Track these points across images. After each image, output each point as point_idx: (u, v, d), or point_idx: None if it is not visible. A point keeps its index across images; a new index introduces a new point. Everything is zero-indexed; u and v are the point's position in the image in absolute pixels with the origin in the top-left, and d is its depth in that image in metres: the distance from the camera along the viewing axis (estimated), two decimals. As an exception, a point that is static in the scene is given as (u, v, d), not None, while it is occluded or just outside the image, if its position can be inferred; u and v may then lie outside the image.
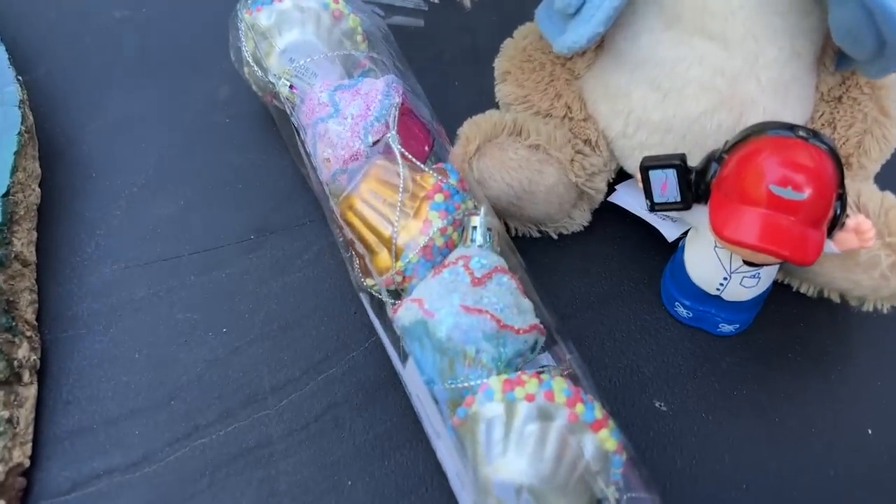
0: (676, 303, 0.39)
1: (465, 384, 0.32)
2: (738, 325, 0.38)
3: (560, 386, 0.31)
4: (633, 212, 0.41)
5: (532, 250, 0.41)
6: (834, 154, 0.31)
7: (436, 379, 0.33)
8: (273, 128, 0.45)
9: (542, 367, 0.35)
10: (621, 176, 0.42)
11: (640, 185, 0.35)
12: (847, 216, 0.32)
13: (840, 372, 0.38)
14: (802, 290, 0.39)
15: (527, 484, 0.29)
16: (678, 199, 0.34)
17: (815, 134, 0.31)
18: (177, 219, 0.42)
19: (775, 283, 0.39)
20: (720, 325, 0.38)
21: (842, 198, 0.32)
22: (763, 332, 0.39)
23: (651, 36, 0.35)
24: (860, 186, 0.36)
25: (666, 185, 0.34)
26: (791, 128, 0.31)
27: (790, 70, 0.34)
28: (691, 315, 0.39)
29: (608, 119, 0.38)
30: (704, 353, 0.38)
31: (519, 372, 0.31)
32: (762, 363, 0.38)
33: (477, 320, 0.32)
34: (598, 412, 0.31)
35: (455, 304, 0.32)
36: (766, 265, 0.34)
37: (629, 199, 0.42)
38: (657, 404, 0.37)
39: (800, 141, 0.31)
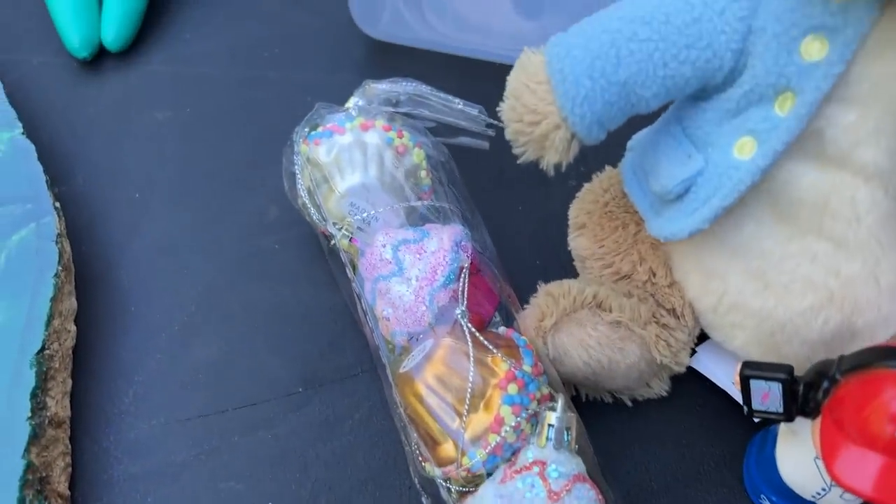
0: (763, 496, 0.35)
1: None
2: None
3: None
4: (715, 381, 0.38)
5: (602, 417, 0.38)
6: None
7: None
8: (324, 258, 0.41)
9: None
10: (703, 339, 0.38)
11: (739, 388, 0.32)
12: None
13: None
14: None
15: None
16: (780, 412, 0.31)
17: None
18: (220, 364, 0.39)
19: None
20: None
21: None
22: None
23: (758, 227, 0.31)
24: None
25: (768, 395, 0.31)
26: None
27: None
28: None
29: (698, 293, 0.35)
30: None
31: None
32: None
33: (554, 549, 0.29)
34: None
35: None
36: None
37: (711, 364, 0.38)
38: None
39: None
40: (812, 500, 0.33)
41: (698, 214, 0.30)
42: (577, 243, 0.38)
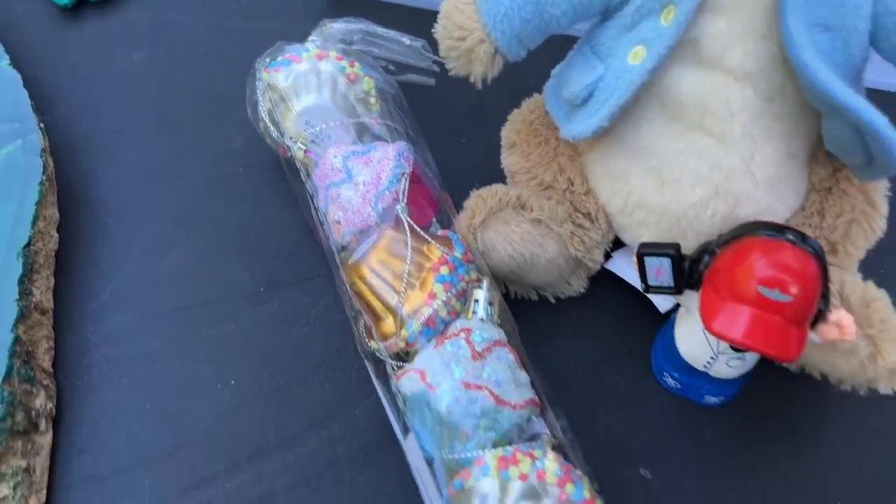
0: (665, 373, 0.41)
1: (462, 456, 0.34)
2: (722, 398, 0.40)
3: (552, 467, 0.32)
4: (628, 280, 0.43)
5: (529, 312, 0.43)
6: (820, 257, 0.33)
7: (434, 448, 0.35)
8: (284, 179, 0.46)
9: (534, 434, 0.37)
10: (618, 243, 0.43)
11: (637, 268, 0.37)
12: (829, 311, 0.34)
13: (816, 445, 0.40)
14: (786, 366, 0.41)
15: (518, 561, 0.30)
16: (671, 285, 0.36)
17: (803, 238, 0.33)
18: (190, 269, 0.44)
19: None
20: (705, 397, 0.40)
21: (825, 295, 0.34)
22: (746, 404, 0.41)
23: (652, 127, 0.36)
24: (844, 276, 0.37)
25: (660, 270, 0.36)
26: (781, 230, 0.33)
27: (785, 168, 0.36)
28: (679, 386, 0.41)
29: (608, 196, 0.40)
30: (690, 422, 0.40)
31: (514, 449, 0.33)
32: (744, 434, 0.40)
33: (476, 396, 0.34)
34: (587, 492, 0.32)
35: (456, 380, 0.34)
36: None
37: (624, 267, 0.43)
38: (642, 472, 0.39)
39: (788, 245, 0.32)
40: (704, 369, 0.39)
41: (599, 114, 0.35)
42: (509, 160, 0.43)
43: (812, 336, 0.35)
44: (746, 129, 0.35)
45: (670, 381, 0.41)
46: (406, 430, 0.35)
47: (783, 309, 0.32)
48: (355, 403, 0.40)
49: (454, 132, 0.50)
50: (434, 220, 0.42)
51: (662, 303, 0.42)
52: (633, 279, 0.43)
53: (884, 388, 0.37)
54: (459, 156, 0.48)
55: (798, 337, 0.33)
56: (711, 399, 0.40)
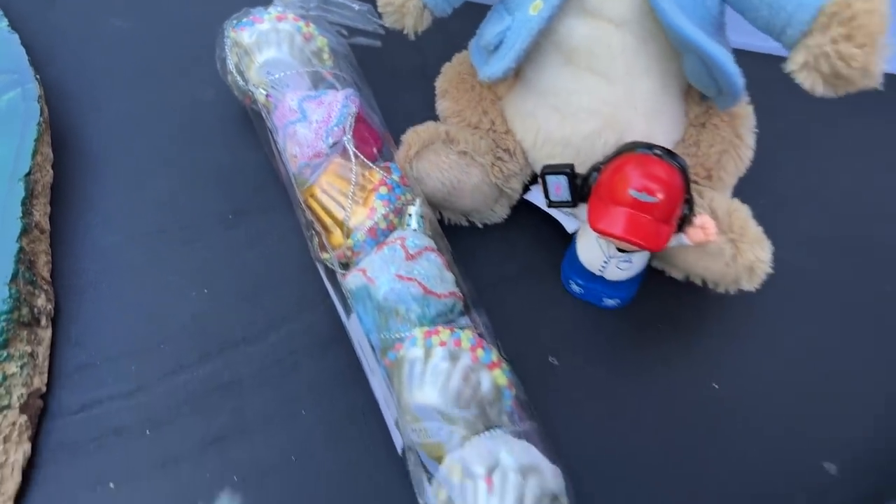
0: (571, 281, 0.48)
1: (396, 335, 0.41)
2: (619, 300, 0.48)
3: (467, 336, 0.40)
4: (543, 208, 0.51)
5: (460, 235, 0.50)
6: (683, 169, 0.41)
7: (373, 330, 0.42)
8: (250, 127, 0.53)
9: (460, 327, 0.44)
10: (535, 179, 0.51)
11: (542, 187, 0.44)
12: (695, 216, 0.42)
13: (698, 339, 0.48)
14: (673, 276, 0.49)
15: (437, 405, 0.38)
16: (568, 199, 0.44)
17: (669, 153, 0.41)
18: (168, 200, 0.51)
19: (652, 269, 0.49)
20: (604, 300, 0.48)
21: (689, 201, 0.42)
22: (641, 306, 0.49)
23: (552, 70, 0.44)
24: (714, 195, 0.46)
25: (559, 187, 0.44)
26: (651, 147, 0.41)
27: (661, 101, 0.44)
28: (583, 291, 0.48)
29: (522, 133, 0.48)
30: (592, 321, 0.48)
31: (437, 326, 0.41)
32: (639, 330, 0.48)
33: (408, 286, 0.41)
34: (494, 356, 0.40)
35: (391, 274, 0.42)
36: (633, 252, 0.44)
37: (540, 198, 0.51)
38: (550, 359, 0.46)
39: (656, 158, 0.40)
40: (600, 273, 0.46)
41: (507, 57, 0.43)
42: (442, 106, 0.51)
43: (683, 238, 0.43)
44: (626, 68, 0.43)
45: (575, 288, 0.48)
46: (350, 314, 0.43)
47: (652, 209, 0.40)
48: (312, 307, 0.47)
49: (397, 85, 0.58)
50: (378, 154, 0.49)
51: (569, 224, 0.49)
52: (561, 217, 0.51)
53: (746, 286, 0.45)
54: (401, 104, 0.55)
55: (665, 232, 0.41)
56: (609, 301, 0.48)
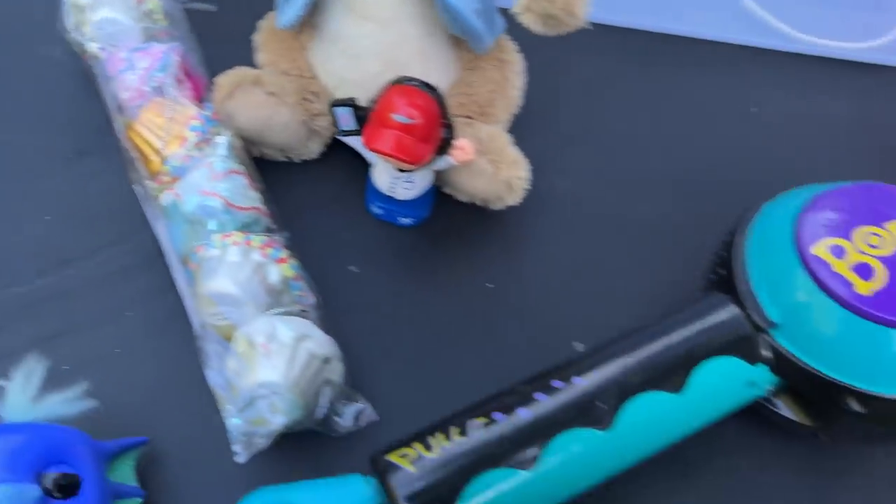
0: (372, 203, 0.56)
1: (200, 243, 0.49)
2: (412, 219, 0.56)
3: (259, 238, 0.48)
4: (350, 145, 0.59)
5: (276, 168, 0.58)
6: (438, 96, 0.49)
7: (183, 242, 0.49)
8: (91, 80, 0.60)
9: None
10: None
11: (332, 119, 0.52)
12: (455, 139, 0.51)
13: (479, 250, 0.56)
14: (459, 198, 0.57)
15: (229, 292, 0.45)
16: (355, 128, 0.52)
17: (425, 84, 0.49)
18: (10, 141, 0.57)
19: (443, 194, 0.57)
20: (400, 219, 0.56)
21: (449, 126, 0.50)
22: (433, 225, 0.57)
23: (339, 18, 0.52)
24: (484, 126, 0.54)
25: (345, 118, 0.52)
26: (410, 80, 0.49)
27: (430, 44, 0.53)
28: (382, 212, 0.56)
29: (325, 78, 0.56)
30: (391, 237, 0.56)
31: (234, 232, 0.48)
32: (430, 244, 0.56)
33: (213, 199, 0.49)
34: (283, 254, 0.48)
35: (197, 191, 0.49)
36: (412, 172, 0.52)
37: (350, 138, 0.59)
38: (350, 268, 0.54)
39: (414, 88, 0.49)
40: (391, 194, 0.54)
41: (296, 5, 0.51)
42: (259, 59, 0.58)
43: (450, 160, 0.51)
44: (394, 14, 0.51)
45: (376, 209, 0.57)
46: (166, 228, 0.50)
47: (412, 130, 0.48)
48: (140, 229, 0.54)
49: (229, 48, 0.64)
50: (200, 102, 0.56)
51: (368, 153, 0.57)
52: (357, 146, 0.59)
53: (510, 201, 0.54)
54: (225, 59, 0.62)
55: (424, 150, 0.49)
56: (404, 220, 0.56)
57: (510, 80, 0.56)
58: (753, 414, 0.46)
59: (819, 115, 0.66)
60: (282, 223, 0.52)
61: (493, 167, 0.53)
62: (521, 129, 0.59)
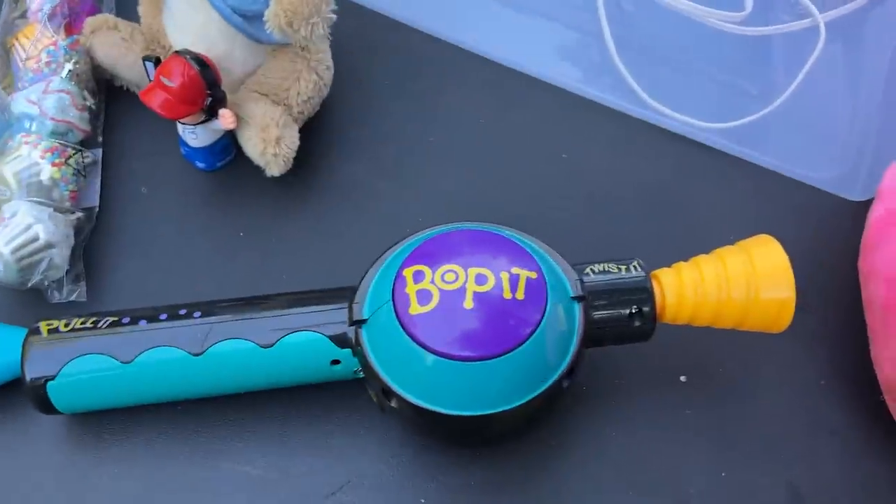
0: (180, 146, 0.69)
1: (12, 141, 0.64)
2: (204, 164, 0.69)
3: (48, 143, 0.62)
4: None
5: (131, 100, 0.72)
6: (204, 68, 0.61)
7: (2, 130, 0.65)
8: None
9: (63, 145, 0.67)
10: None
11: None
12: (221, 108, 0.62)
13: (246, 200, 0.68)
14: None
15: (6, 175, 0.61)
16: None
17: (196, 58, 0.61)
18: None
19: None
20: (196, 162, 0.69)
21: (214, 96, 0.62)
22: (226, 175, 0.69)
23: (174, -4, 0.65)
24: (265, 106, 0.65)
25: (151, 71, 0.64)
26: (187, 52, 0.61)
27: (230, 29, 0.64)
28: (184, 153, 0.69)
29: (172, 40, 0.69)
30: (192, 177, 0.69)
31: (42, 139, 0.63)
32: (225, 182, 0.69)
33: (32, 108, 0.64)
34: (61, 159, 0.62)
35: (24, 98, 0.64)
36: (195, 125, 0.64)
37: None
38: (142, 190, 0.68)
39: (182, 58, 0.60)
40: (184, 138, 0.67)
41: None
42: (139, 9, 0.72)
43: (218, 123, 0.63)
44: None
45: (182, 150, 0.69)
46: None
47: (170, 91, 0.60)
48: None
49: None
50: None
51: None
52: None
53: (273, 172, 0.65)
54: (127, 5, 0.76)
55: (179, 109, 0.61)
56: (199, 164, 0.69)
57: (302, 72, 0.66)
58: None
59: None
60: (102, 141, 0.67)
61: (260, 140, 0.64)
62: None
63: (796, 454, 0.57)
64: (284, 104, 0.67)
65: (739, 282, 0.52)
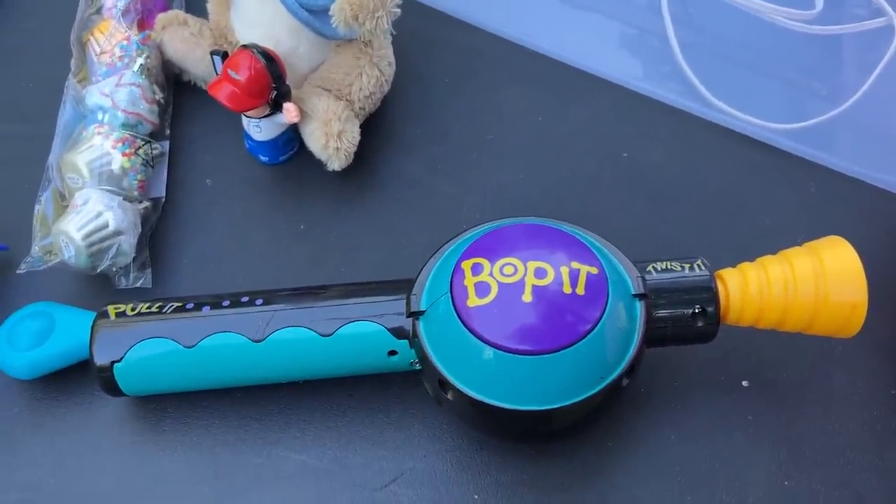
0: (244, 139, 0.71)
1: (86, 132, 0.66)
2: (267, 158, 0.70)
3: (119, 133, 0.64)
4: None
5: (196, 94, 0.74)
6: (269, 61, 0.62)
7: (76, 119, 0.67)
8: None
9: (133, 135, 0.69)
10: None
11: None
12: (286, 101, 0.63)
13: (305, 192, 0.69)
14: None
15: (77, 164, 0.63)
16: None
17: (263, 53, 0.62)
18: None
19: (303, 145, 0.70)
20: (259, 156, 0.70)
21: (278, 90, 0.63)
22: (288, 168, 0.70)
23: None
24: (328, 101, 0.65)
25: (219, 64, 0.66)
26: (254, 47, 0.62)
27: (296, 23, 0.65)
28: (248, 147, 0.70)
29: (238, 35, 0.70)
30: (253, 168, 0.70)
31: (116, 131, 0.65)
32: (286, 175, 0.70)
33: (105, 100, 0.66)
34: (130, 150, 0.64)
35: (99, 91, 0.66)
36: (260, 119, 0.65)
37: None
38: (208, 181, 0.69)
39: (249, 52, 0.62)
40: (248, 132, 0.68)
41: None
42: (208, 7, 0.74)
43: (282, 117, 0.64)
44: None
45: (246, 144, 0.71)
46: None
47: (237, 84, 0.62)
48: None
49: None
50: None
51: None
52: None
53: (334, 166, 0.65)
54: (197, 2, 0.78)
55: (245, 102, 0.62)
56: (262, 158, 0.70)
57: (364, 68, 0.66)
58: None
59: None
60: (170, 134, 0.69)
61: (322, 134, 0.64)
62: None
63: (865, 465, 0.54)
64: (347, 99, 0.67)
65: (808, 283, 0.50)
